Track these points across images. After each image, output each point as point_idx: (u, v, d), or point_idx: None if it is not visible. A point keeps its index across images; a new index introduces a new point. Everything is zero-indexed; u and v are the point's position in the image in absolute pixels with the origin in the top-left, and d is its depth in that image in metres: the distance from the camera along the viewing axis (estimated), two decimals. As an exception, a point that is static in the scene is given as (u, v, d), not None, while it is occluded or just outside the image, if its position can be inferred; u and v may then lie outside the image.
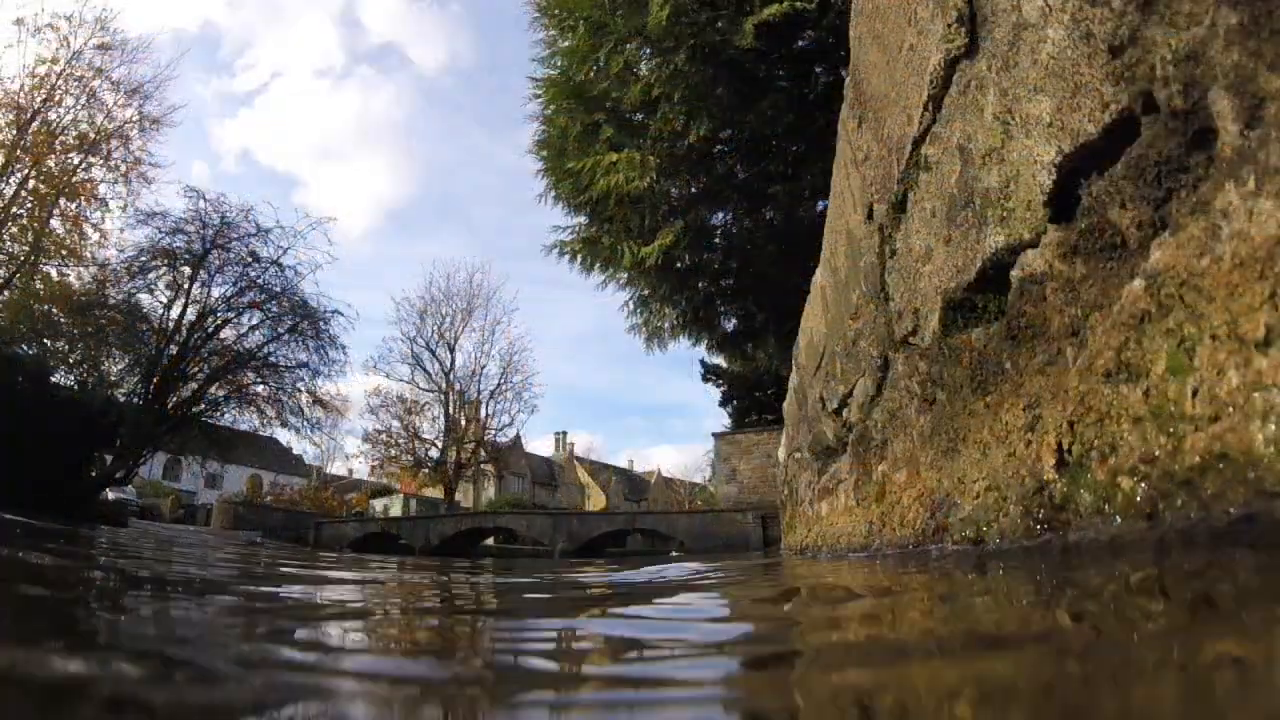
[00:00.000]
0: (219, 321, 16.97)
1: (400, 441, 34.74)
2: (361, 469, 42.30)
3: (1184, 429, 0.95)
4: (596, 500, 49.78)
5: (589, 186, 14.44)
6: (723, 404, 24.41)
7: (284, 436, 31.26)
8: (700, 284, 16.35)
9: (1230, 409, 0.87)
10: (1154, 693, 0.62)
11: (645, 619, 1.75)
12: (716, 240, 15.68)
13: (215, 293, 16.88)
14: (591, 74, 14.00)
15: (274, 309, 17.47)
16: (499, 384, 35.53)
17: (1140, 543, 1.01)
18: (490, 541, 26.29)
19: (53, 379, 13.52)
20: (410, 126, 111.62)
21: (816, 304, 3.90)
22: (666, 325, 17.54)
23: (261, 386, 17.74)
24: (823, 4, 11.38)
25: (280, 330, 17.51)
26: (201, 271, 16.52)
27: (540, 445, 54.47)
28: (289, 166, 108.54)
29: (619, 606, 2.08)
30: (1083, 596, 1.04)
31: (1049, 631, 0.94)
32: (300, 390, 17.87)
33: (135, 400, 15.38)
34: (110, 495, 18.78)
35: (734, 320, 17.58)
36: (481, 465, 36.67)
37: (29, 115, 15.93)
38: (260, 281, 17.22)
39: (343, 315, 18.21)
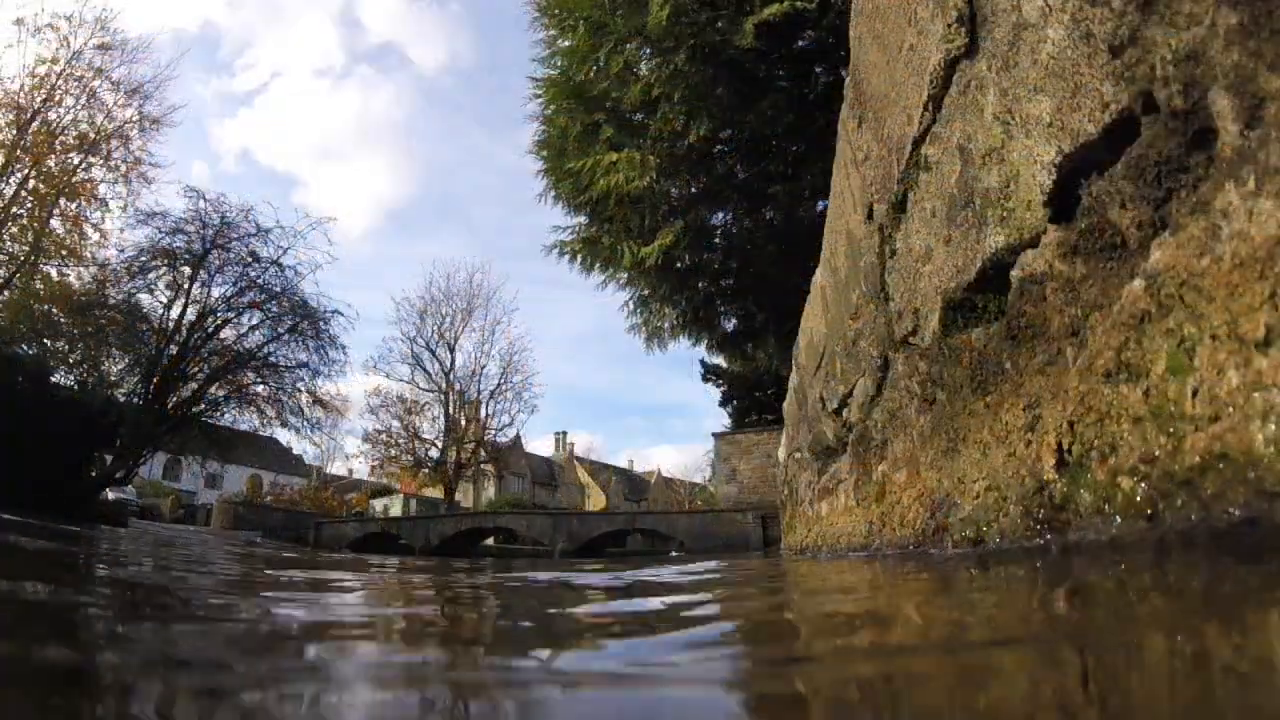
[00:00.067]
0: (219, 321, 16.98)
1: (400, 441, 34.75)
2: (361, 469, 42.34)
3: (1184, 429, 0.95)
4: (596, 500, 49.79)
5: (589, 186, 14.45)
6: (723, 404, 24.42)
7: (284, 436, 31.23)
8: (700, 284, 16.35)
9: (1230, 409, 0.87)
10: (1152, 691, 0.62)
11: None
12: (716, 240, 15.69)
13: (215, 293, 16.90)
14: (591, 74, 14.00)
15: (274, 309, 17.48)
16: (499, 384, 35.56)
17: (1140, 542, 1.01)
18: (490, 541, 26.29)
19: (53, 379, 13.52)
20: (410, 126, 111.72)
21: (816, 304, 3.90)
22: (666, 325, 17.55)
23: (261, 386, 17.75)
24: (823, 4, 11.38)
25: (280, 330, 17.52)
26: (201, 271, 16.52)
27: (540, 445, 54.54)
28: (289, 166, 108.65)
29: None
30: (1083, 595, 1.04)
31: (1048, 629, 0.94)
32: (300, 390, 17.89)
33: (135, 400, 15.39)
34: (110, 495, 18.79)
35: (734, 320, 17.58)
36: (481, 465, 36.67)
37: (29, 115, 15.93)
38: (260, 281, 17.23)
39: (343, 315, 18.21)
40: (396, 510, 36.30)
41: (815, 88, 13.12)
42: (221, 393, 17.38)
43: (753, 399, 22.68)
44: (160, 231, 16.16)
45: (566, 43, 14.51)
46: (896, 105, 2.01)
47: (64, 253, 16.69)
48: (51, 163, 16.35)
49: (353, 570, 4.86)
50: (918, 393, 1.99)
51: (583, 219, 16.15)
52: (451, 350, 35.83)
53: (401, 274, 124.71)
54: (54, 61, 16.39)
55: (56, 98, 16.47)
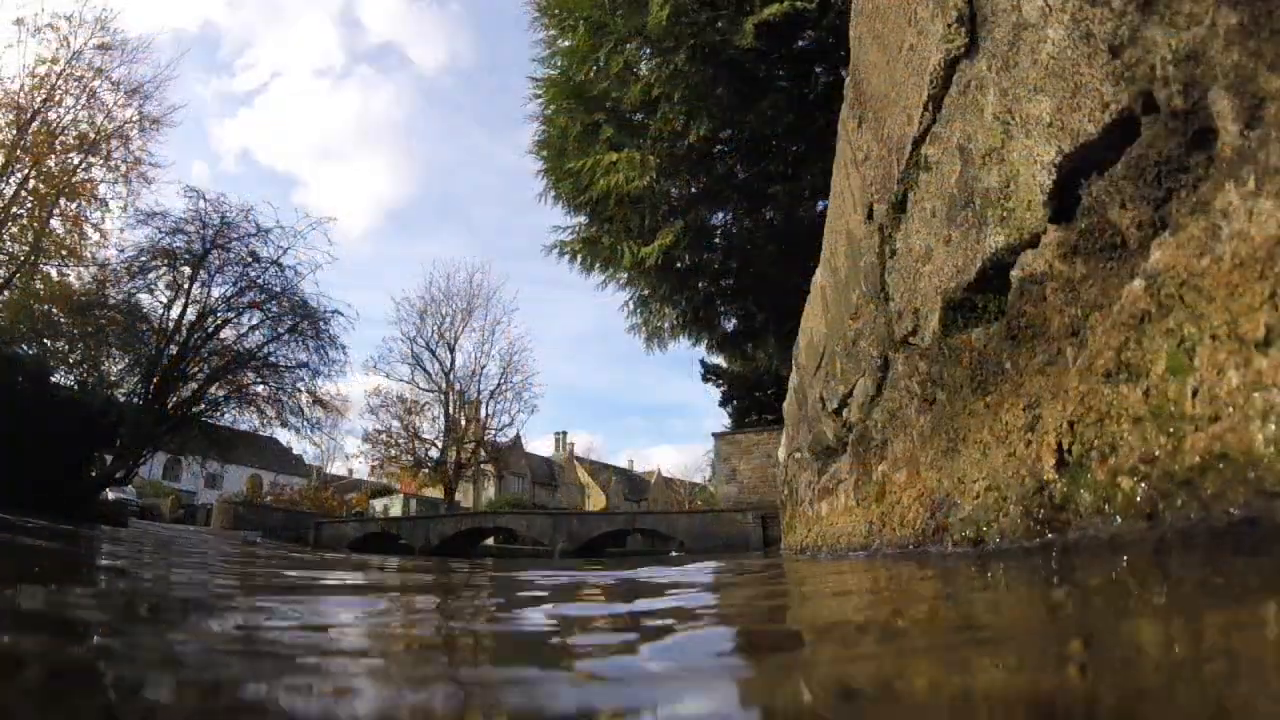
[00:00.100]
0: (219, 321, 16.98)
1: (400, 441, 34.75)
2: (361, 469, 42.35)
3: (1184, 429, 0.95)
4: (596, 500, 49.79)
5: (589, 186, 14.45)
6: (723, 404, 24.43)
7: (284, 436, 31.21)
8: (700, 284, 16.35)
9: (1230, 409, 0.87)
10: (1151, 689, 0.62)
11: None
12: (716, 240, 15.69)
13: (215, 293, 16.91)
14: (591, 74, 14.00)
15: (274, 309, 17.49)
16: (499, 384, 35.57)
17: (1140, 542, 1.01)
18: (490, 541, 26.30)
19: (53, 379, 13.53)
20: (410, 126, 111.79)
21: (816, 304, 3.90)
22: (666, 325, 17.55)
23: (261, 386, 17.76)
24: (823, 4, 11.38)
25: (280, 330, 17.52)
26: (201, 271, 16.53)
27: (540, 445, 54.55)
28: (289, 166, 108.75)
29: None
30: (1083, 594, 1.04)
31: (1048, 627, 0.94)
32: (300, 390, 17.89)
33: (135, 400, 15.39)
34: (110, 495, 18.79)
35: (734, 320, 17.59)
36: (481, 465, 36.68)
37: (29, 115, 15.94)
38: (260, 281, 17.23)
39: (343, 315, 18.23)
40: (396, 510, 36.30)
41: (815, 88, 13.12)
42: (221, 393, 17.39)
43: (753, 399, 22.68)
44: (160, 231, 16.19)
45: (566, 43, 14.51)
46: (896, 105, 2.01)
47: (64, 253, 16.70)
48: (51, 163, 16.36)
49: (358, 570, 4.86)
50: (918, 393, 1.99)
51: (583, 219, 16.16)
52: (451, 350, 35.88)
53: (401, 274, 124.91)
54: (54, 61, 16.41)
55: (56, 98, 16.49)
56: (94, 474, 14.19)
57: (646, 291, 16.71)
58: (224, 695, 0.84)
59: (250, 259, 17.02)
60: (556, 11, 14.26)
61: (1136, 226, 1.06)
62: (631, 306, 17.50)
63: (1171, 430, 0.97)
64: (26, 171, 16.00)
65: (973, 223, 1.55)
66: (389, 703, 0.80)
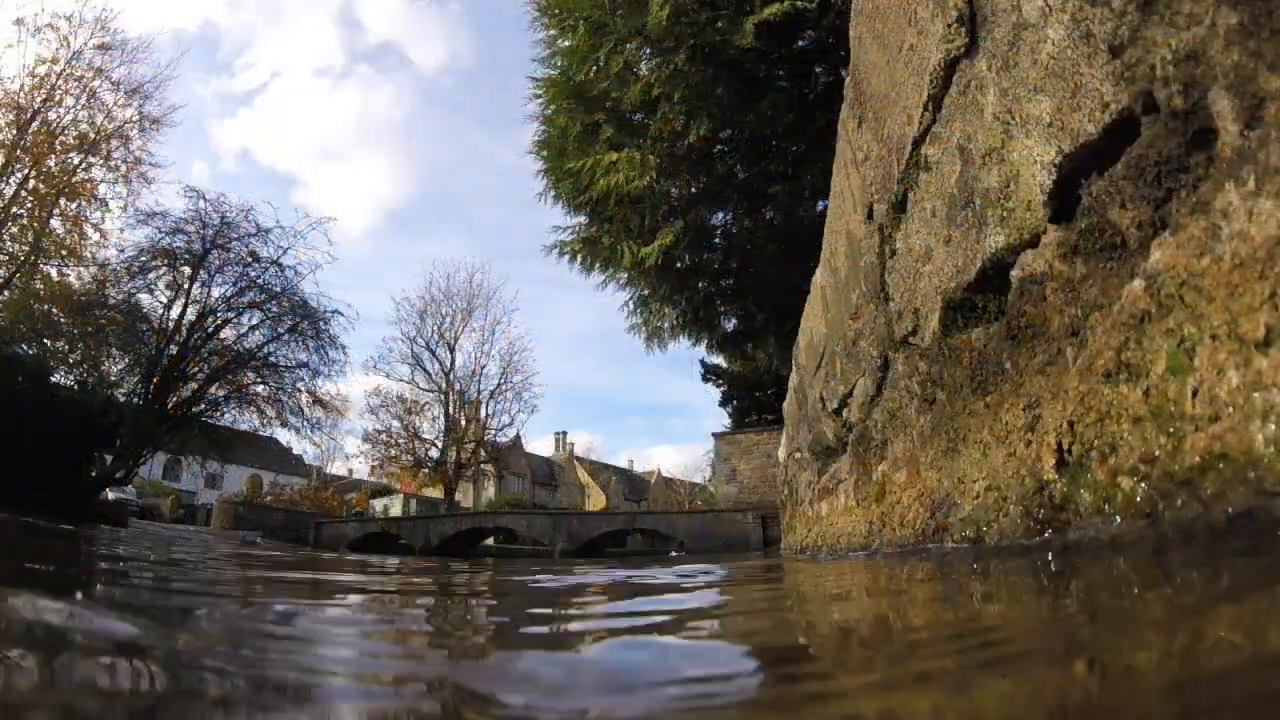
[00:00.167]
0: (219, 321, 17.00)
1: (400, 441, 34.74)
2: (361, 469, 42.34)
3: (1184, 429, 0.95)
4: (596, 500, 49.78)
5: (589, 186, 14.45)
6: (723, 404, 24.43)
7: (284, 436, 31.24)
8: (700, 284, 16.35)
9: (1230, 409, 0.87)
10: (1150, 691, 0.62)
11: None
12: (716, 240, 15.69)
13: (215, 293, 16.94)
14: (591, 74, 13.99)
15: (274, 309, 17.51)
16: (499, 384, 35.57)
17: (1140, 542, 1.01)
18: (490, 541, 26.29)
19: (53, 379, 13.53)
20: (410, 126, 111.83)
21: (816, 304, 3.90)
22: (666, 325, 17.55)
23: (261, 386, 17.77)
24: (823, 4, 11.38)
25: (280, 330, 17.54)
26: (201, 271, 16.55)
27: (540, 445, 54.53)
28: (289, 166, 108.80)
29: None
30: (1082, 593, 1.04)
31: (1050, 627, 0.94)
32: (300, 390, 17.92)
33: (135, 400, 15.40)
34: (110, 495, 18.79)
35: (734, 320, 17.58)
36: (481, 465, 36.67)
37: (29, 115, 15.94)
38: (260, 281, 17.26)
39: (343, 315, 18.26)
40: (396, 510, 36.30)
41: (815, 88, 13.12)
42: (221, 393, 17.41)
43: (753, 399, 22.68)
44: (160, 231, 16.22)
45: (566, 43, 14.51)
46: (896, 105, 2.01)
47: (64, 253, 16.70)
48: (51, 163, 16.36)
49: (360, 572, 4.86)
50: (918, 393, 1.99)
51: (583, 219, 16.15)
52: (451, 350, 35.87)
53: (401, 274, 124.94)
54: (54, 61, 16.41)
55: (56, 98, 16.49)
56: (94, 474, 14.19)
57: (646, 291, 16.71)
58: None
59: (250, 259, 17.06)
60: (556, 11, 14.26)
61: (1136, 226, 1.06)
62: (631, 306, 17.51)
63: (1171, 430, 0.97)
64: (26, 171, 16.00)
65: (973, 223, 1.55)
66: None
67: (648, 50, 13.43)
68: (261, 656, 1.12)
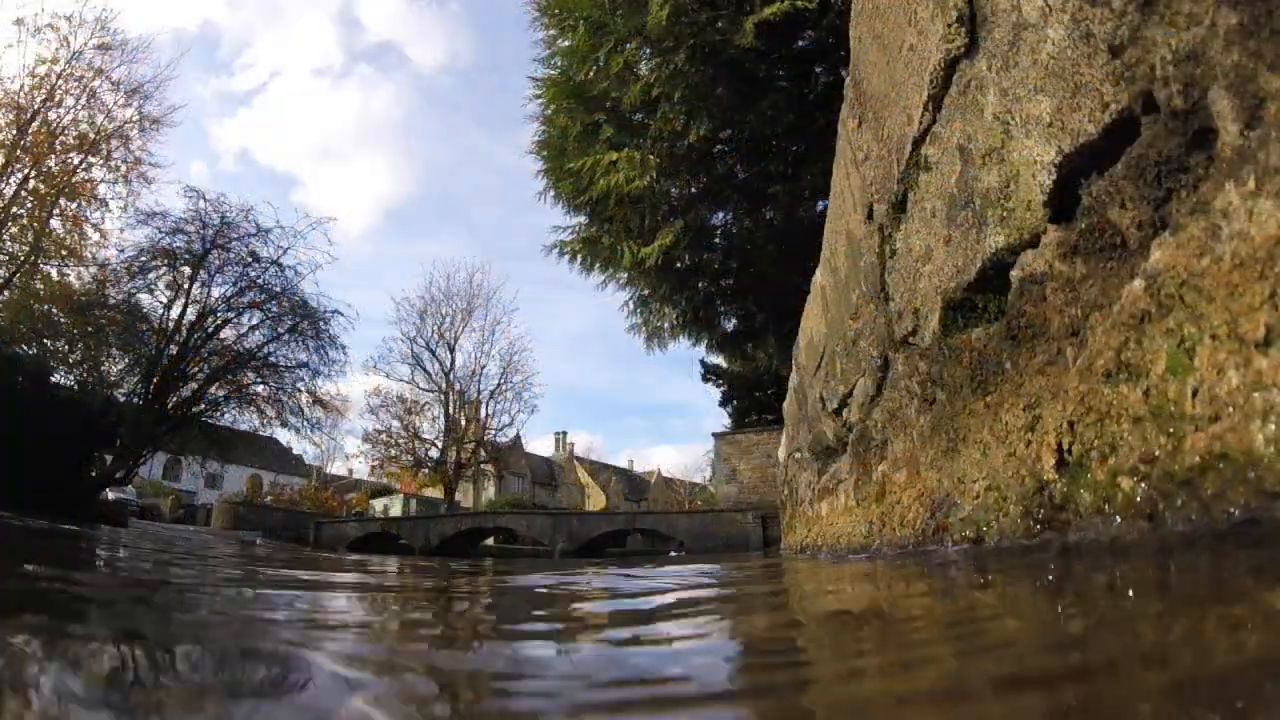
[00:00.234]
0: (219, 321, 17.01)
1: (400, 441, 34.74)
2: (361, 469, 42.33)
3: (1184, 429, 0.95)
4: (596, 500, 49.77)
5: (589, 186, 14.44)
6: (723, 404, 24.42)
7: (284, 436, 31.31)
8: (700, 284, 16.33)
9: (1230, 409, 0.87)
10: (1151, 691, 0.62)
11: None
12: (716, 240, 15.67)
13: (215, 293, 16.95)
14: (591, 74, 13.98)
15: (274, 309, 17.52)
16: (499, 384, 35.57)
17: (1140, 542, 1.01)
18: (490, 541, 26.30)
19: (53, 379, 13.53)
20: (409, 126, 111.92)
21: (816, 304, 3.90)
22: (666, 325, 17.53)
23: (261, 386, 17.78)
24: (823, 4, 11.37)
25: (280, 330, 17.55)
26: (201, 271, 16.56)
27: (540, 445, 54.53)
28: (288, 166, 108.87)
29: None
30: (1083, 593, 1.04)
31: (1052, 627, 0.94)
32: (300, 390, 17.93)
33: (135, 400, 15.41)
34: (110, 495, 18.80)
35: (734, 320, 17.57)
36: (481, 465, 36.66)
37: (29, 115, 15.94)
38: (260, 281, 17.27)
39: (343, 315, 18.29)
40: (396, 510, 36.31)
41: (815, 88, 13.11)
42: (221, 393, 17.42)
43: (753, 399, 22.68)
44: (160, 231, 16.24)
45: (566, 42, 14.49)
46: (896, 105, 2.01)
47: (64, 253, 16.71)
48: (51, 163, 16.37)
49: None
50: (918, 393, 1.99)
51: (583, 219, 16.14)
52: (451, 350, 35.87)
53: (401, 274, 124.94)
54: (54, 61, 16.42)
55: (56, 98, 16.49)
56: (94, 474, 14.20)
57: (646, 291, 16.70)
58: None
59: (250, 259, 17.07)
60: (556, 11, 14.25)
61: (1136, 226, 1.06)
62: (631, 306, 17.50)
63: (1171, 430, 0.97)
64: (26, 171, 16.00)
65: (973, 223, 1.54)
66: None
67: (648, 50, 13.42)
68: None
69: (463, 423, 34.91)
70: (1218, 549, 0.86)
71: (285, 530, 24.39)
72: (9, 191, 15.77)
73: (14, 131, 15.78)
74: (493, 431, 35.87)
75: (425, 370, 35.47)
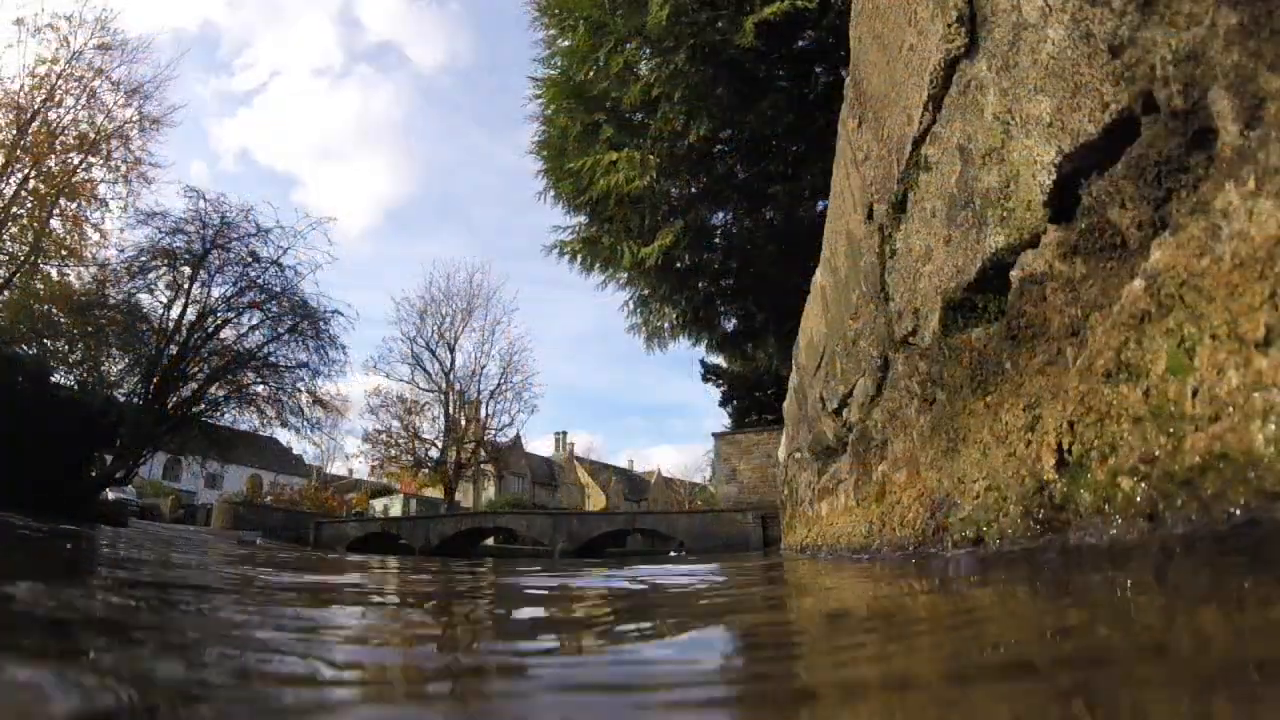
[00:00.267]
0: (219, 321, 16.99)
1: (400, 441, 34.74)
2: (361, 469, 42.32)
3: (1184, 429, 0.95)
4: (596, 500, 49.76)
5: (589, 186, 14.44)
6: (723, 404, 24.41)
7: (284, 436, 31.30)
8: (700, 284, 16.33)
9: (1230, 409, 0.87)
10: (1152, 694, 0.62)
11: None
12: (716, 240, 15.67)
13: (215, 293, 16.93)
14: (591, 74, 13.98)
15: (274, 309, 17.50)
16: (499, 384, 35.56)
17: (1140, 542, 1.01)
18: (490, 541, 26.29)
19: (53, 379, 13.53)
20: (409, 126, 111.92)
21: (816, 304, 3.90)
22: (666, 325, 17.53)
23: (261, 386, 17.77)
24: (823, 4, 11.37)
25: (280, 330, 17.54)
26: (201, 271, 16.55)
27: (540, 445, 54.52)
28: (288, 166, 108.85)
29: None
30: (1083, 593, 1.04)
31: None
32: (300, 390, 17.91)
33: (135, 400, 15.40)
34: (110, 495, 18.79)
35: (734, 320, 17.57)
36: (481, 465, 36.66)
37: (29, 115, 15.94)
38: (260, 281, 17.25)
39: (343, 315, 18.26)
40: (396, 510, 36.30)
41: (815, 88, 13.11)
42: (221, 393, 17.40)
43: (753, 399, 22.67)
44: (160, 231, 16.22)
45: (566, 42, 14.49)
46: (896, 105, 2.01)
47: (64, 253, 16.70)
48: (51, 163, 16.36)
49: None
50: (918, 393, 1.99)
51: (583, 219, 16.14)
52: (451, 350, 35.86)
53: (401, 274, 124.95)
54: (54, 61, 16.41)
55: (56, 98, 16.48)
56: (94, 474, 14.19)
57: (646, 291, 16.70)
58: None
59: (250, 259, 17.05)
60: (556, 11, 14.25)
61: (1136, 226, 1.06)
62: (631, 306, 17.50)
63: (1171, 430, 0.97)
64: (26, 171, 16.00)
65: (973, 223, 1.55)
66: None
67: (648, 50, 13.42)
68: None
69: (463, 423, 34.91)
70: (1218, 548, 0.86)
71: (285, 530, 24.38)
72: (9, 191, 15.77)
73: (14, 131, 15.77)
74: (493, 431, 35.90)
75: (425, 370, 35.50)
